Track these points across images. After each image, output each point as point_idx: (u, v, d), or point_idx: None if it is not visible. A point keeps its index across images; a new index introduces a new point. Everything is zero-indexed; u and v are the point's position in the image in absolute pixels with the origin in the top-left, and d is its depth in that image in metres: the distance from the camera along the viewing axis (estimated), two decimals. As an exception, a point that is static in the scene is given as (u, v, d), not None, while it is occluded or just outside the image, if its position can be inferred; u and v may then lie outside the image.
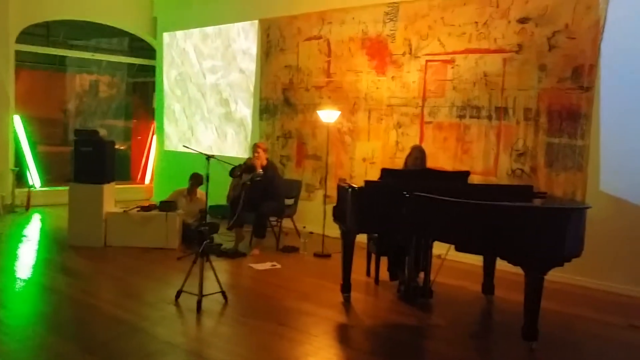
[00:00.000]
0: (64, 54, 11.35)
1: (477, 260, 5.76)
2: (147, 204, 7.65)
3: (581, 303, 5.66)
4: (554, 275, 4.63)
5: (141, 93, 12.51)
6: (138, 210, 7.40)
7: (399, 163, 6.95)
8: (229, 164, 6.86)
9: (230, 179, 7.29)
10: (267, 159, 7.28)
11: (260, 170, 6.99)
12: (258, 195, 7.09)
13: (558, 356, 4.26)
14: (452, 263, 6.25)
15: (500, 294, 5.64)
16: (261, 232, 7.13)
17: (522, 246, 4.19)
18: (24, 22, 10.10)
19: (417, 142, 7.34)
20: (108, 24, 11.17)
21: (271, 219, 7.60)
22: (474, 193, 4.80)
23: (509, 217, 4.23)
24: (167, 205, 7.45)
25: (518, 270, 4.32)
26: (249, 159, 7.30)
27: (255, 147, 7.26)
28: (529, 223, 4.18)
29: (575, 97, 6.27)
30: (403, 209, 4.73)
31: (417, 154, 5.93)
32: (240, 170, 7.01)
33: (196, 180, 7.63)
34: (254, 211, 7.09)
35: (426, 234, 4.92)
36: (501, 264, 4.88)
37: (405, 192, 4.73)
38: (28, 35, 10.34)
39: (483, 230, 4.28)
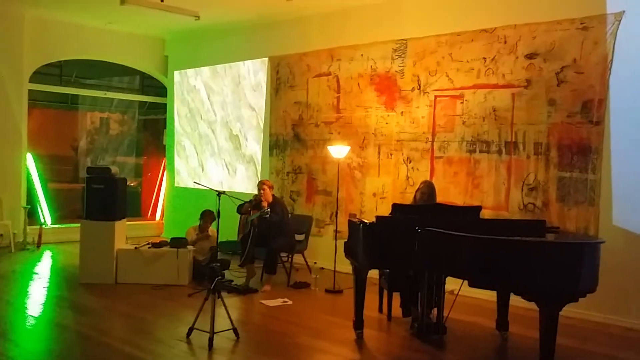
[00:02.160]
0: (76, 93, 11.40)
1: (490, 295, 5.70)
2: (158, 241, 7.61)
3: (596, 339, 5.59)
4: (568, 311, 4.59)
5: (152, 130, 12.56)
6: (149, 247, 7.35)
7: (409, 198, 6.90)
8: (239, 199, 7.20)
9: (239, 216, 7.40)
10: (273, 196, 7.25)
11: (267, 208, 6.96)
12: (268, 231, 7.08)
13: (574, 393, 4.11)
14: (466, 299, 6.18)
15: (514, 330, 5.57)
16: (272, 268, 7.08)
17: (536, 282, 4.17)
18: (38, 61, 10.24)
19: (428, 177, 7.35)
20: (120, 63, 11.30)
21: (282, 254, 7.55)
22: (486, 228, 4.76)
23: (523, 252, 4.20)
24: (178, 242, 7.43)
25: (532, 305, 4.28)
26: (255, 196, 7.27)
27: (260, 185, 7.23)
28: (543, 258, 4.16)
29: (585, 131, 6.28)
30: (415, 244, 4.73)
31: (425, 189, 5.96)
32: (248, 208, 7.06)
33: (209, 217, 7.62)
34: (265, 247, 7.06)
35: (439, 269, 4.87)
36: (515, 300, 4.84)
37: (417, 227, 4.72)
38: (41, 74, 10.45)
39: (496, 266, 4.25)
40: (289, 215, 7.81)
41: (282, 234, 7.20)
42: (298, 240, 7.68)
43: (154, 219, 12.07)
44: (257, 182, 7.68)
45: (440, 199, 6.17)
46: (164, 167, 11.97)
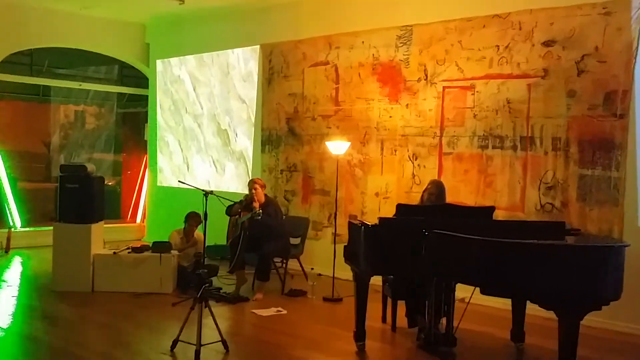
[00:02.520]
0: (48, 84, 11.40)
1: (504, 303, 5.73)
2: (139, 245, 7.59)
3: (620, 350, 5.60)
4: (590, 320, 4.58)
5: (132, 124, 12.51)
6: (129, 252, 7.36)
7: (415, 198, 6.84)
8: (228, 200, 7.06)
9: (228, 218, 7.35)
10: (265, 196, 7.22)
11: (258, 209, 6.91)
12: (260, 234, 7.06)
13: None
14: (477, 307, 6.14)
15: (531, 341, 5.57)
16: (265, 275, 7.07)
17: (555, 288, 4.18)
18: (6, 50, 10.13)
19: (436, 175, 7.35)
20: (97, 51, 11.24)
21: (275, 260, 7.53)
22: (500, 230, 4.83)
23: (540, 256, 4.21)
24: (161, 246, 7.37)
25: (551, 314, 4.29)
26: (246, 196, 7.24)
27: (251, 184, 7.18)
28: (563, 263, 4.18)
29: (608, 125, 6.27)
30: (422, 248, 4.76)
31: (433, 189, 5.95)
32: (238, 209, 7.04)
33: (195, 220, 7.56)
34: (256, 252, 7.05)
35: (448, 275, 4.87)
36: (532, 308, 4.84)
37: (424, 230, 4.74)
38: (10, 64, 10.40)
39: (511, 271, 4.26)
40: (283, 217, 7.81)
41: (276, 238, 7.19)
42: (293, 244, 7.69)
43: (135, 222, 12.04)
44: (248, 180, 7.72)
45: (449, 199, 6.15)
46: (145, 165, 11.89)
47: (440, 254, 4.68)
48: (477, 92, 7.14)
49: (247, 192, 7.35)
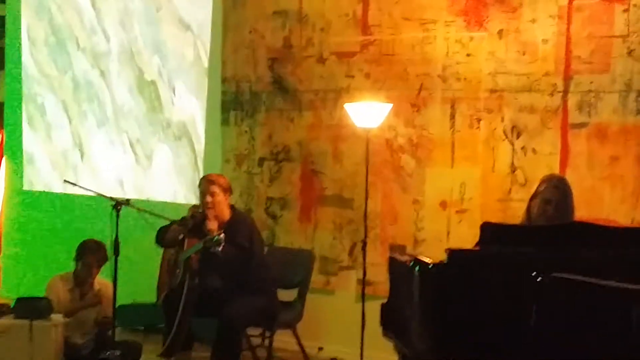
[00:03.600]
0: None
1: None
2: None
3: None
4: None
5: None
6: None
7: (517, 211, 6.16)
8: (160, 217, 6.79)
9: (161, 250, 7.10)
10: (231, 208, 6.73)
11: (217, 234, 6.23)
12: (219, 283, 6.60)
13: None
14: None
15: None
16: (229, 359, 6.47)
17: None
18: None
19: (555, 167, 6.76)
20: None
21: (251, 332, 6.90)
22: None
23: None
24: (31, 306, 6.67)
25: None
26: (194, 209, 6.81)
27: (205, 185, 6.62)
28: None
29: None
30: (531, 308, 4.35)
31: (550, 193, 5.34)
32: (179, 234, 6.66)
33: (96, 256, 7.00)
34: (214, 316, 6.43)
35: (583, 357, 4.33)
36: None
37: (535, 273, 4.36)
38: None
39: None
40: (265, 248, 7.23)
41: (251, 290, 6.52)
42: (284, 301, 7.03)
43: None
44: (199, 179, 7.03)
45: (582, 212, 5.58)
46: (0, 150, 11.28)
47: (568, 320, 4.31)
48: (633, 6, 6.57)
49: (195, 201, 7.11)
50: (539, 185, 5.38)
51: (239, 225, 6.58)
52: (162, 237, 6.68)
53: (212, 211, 6.46)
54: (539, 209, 5.24)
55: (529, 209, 5.35)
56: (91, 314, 6.93)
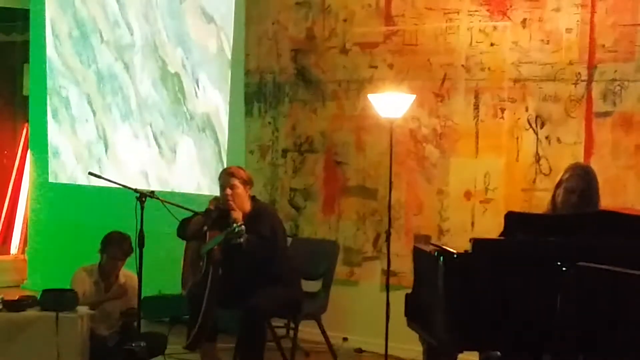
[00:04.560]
0: None
1: None
2: (18, 297, 6.88)
3: None
4: None
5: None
6: (0, 309, 6.61)
7: (541, 201, 6.21)
8: (183, 209, 6.63)
9: (184, 242, 6.90)
10: (253, 200, 6.65)
11: (239, 225, 6.12)
12: (244, 273, 6.51)
13: None
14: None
15: None
16: (254, 352, 6.36)
17: None
18: None
19: (579, 156, 6.78)
20: None
21: (275, 323, 7.02)
22: None
23: None
24: (57, 299, 6.50)
25: None
26: (214, 200, 6.71)
27: (226, 178, 6.60)
28: None
29: None
30: (557, 297, 4.39)
31: (574, 182, 5.36)
32: (202, 225, 6.61)
33: (120, 249, 6.88)
34: (238, 307, 6.38)
35: (609, 349, 4.34)
36: None
37: (560, 262, 4.41)
38: None
39: None
40: (287, 239, 7.16)
41: (275, 280, 6.48)
42: (308, 292, 7.00)
43: (9, 253, 11.52)
44: (220, 171, 7.09)
45: (606, 201, 5.58)
46: (25, 143, 11.44)
47: (593, 309, 4.31)
48: (660, -8, 6.73)
49: (217, 193, 6.78)
50: (563, 174, 5.39)
51: (260, 216, 6.57)
52: (184, 230, 6.70)
53: (232, 204, 6.46)
54: (563, 198, 5.26)
55: (553, 199, 5.37)
56: (116, 306, 6.88)
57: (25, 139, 11.50)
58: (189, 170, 9.43)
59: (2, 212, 11.65)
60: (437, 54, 7.55)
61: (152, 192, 6.20)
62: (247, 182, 6.63)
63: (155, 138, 9.70)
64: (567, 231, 4.74)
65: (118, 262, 6.89)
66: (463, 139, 7.42)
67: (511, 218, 4.98)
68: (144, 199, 6.01)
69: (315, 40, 8.25)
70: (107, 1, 10.18)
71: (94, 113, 10.29)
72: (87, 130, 10.45)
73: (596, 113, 6.76)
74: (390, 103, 6.84)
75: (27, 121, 11.32)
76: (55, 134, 10.80)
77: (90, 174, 7.08)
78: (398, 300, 5.51)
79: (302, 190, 8.35)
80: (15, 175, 11.54)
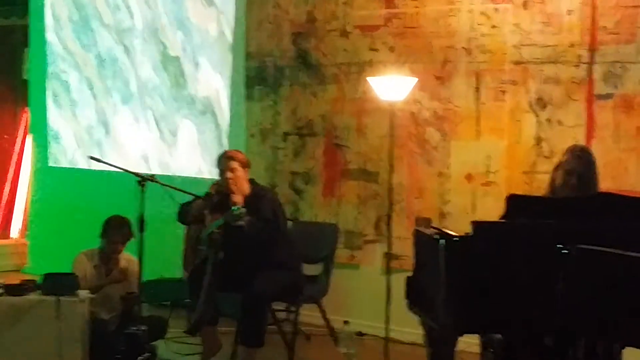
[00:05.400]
0: None
1: None
2: (18, 281, 6.94)
3: None
4: None
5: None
6: (0, 293, 6.67)
7: (543, 182, 6.09)
8: (183, 192, 6.77)
9: (184, 226, 6.94)
10: (252, 183, 6.74)
11: (240, 208, 6.25)
12: (245, 257, 6.52)
13: None
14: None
15: None
16: (255, 335, 6.39)
17: None
18: None
19: (580, 137, 6.83)
20: None
21: (276, 307, 7.07)
22: None
23: None
24: (59, 282, 6.59)
25: None
26: (217, 184, 6.69)
27: (225, 162, 6.65)
28: None
29: None
30: (558, 278, 4.46)
31: (574, 164, 5.39)
32: (202, 209, 6.65)
33: (121, 232, 7.00)
34: (239, 291, 6.47)
35: (609, 331, 4.45)
36: None
37: (560, 244, 4.46)
38: None
39: None
40: (288, 223, 7.22)
41: (276, 263, 6.59)
42: (309, 275, 7.13)
43: (9, 237, 11.57)
44: (219, 154, 7.06)
45: (606, 184, 5.69)
46: (25, 128, 11.52)
47: (594, 290, 4.37)
48: (659, -26, 6.82)
49: (217, 177, 6.83)
50: (562, 156, 5.41)
51: (261, 199, 6.63)
52: (185, 214, 6.74)
53: (232, 186, 6.51)
54: (562, 180, 5.28)
55: (552, 181, 5.40)
56: (117, 290, 6.95)
57: (25, 123, 11.57)
58: (190, 154, 9.50)
59: (2, 197, 11.68)
60: (438, 36, 7.57)
61: (153, 176, 6.26)
62: (246, 165, 6.69)
63: (156, 122, 9.79)
64: (568, 214, 4.77)
65: (119, 246, 6.96)
66: (464, 121, 7.47)
67: (513, 200, 5.00)
68: (144, 183, 6.07)
69: (316, 23, 8.28)
70: (108, -12, 10.53)
71: (95, 97, 10.34)
72: (87, 114, 10.49)
73: (597, 95, 6.80)
74: (391, 86, 6.85)
75: (27, 105, 11.36)
76: (56, 118, 10.84)
77: (91, 158, 7.12)
78: (399, 283, 5.52)
79: (302, 173, 8.41)
80: (16, 160, 11.60)
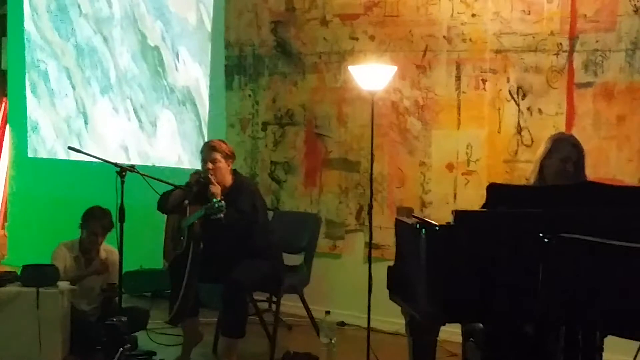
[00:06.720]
0: None
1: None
2: None
3: None
4: None
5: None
6: None
7: (523, 172, 6.48)
8: (163, 182, 6.72)
9: (164, 216, 7.00)
10: (234, 173, 6.78)
11: (219, 199, 6.30)
12: (225, 247, 6.60)
13: None
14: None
15: None
16: (236, 326, 6.46)
17: None
18: None
19: (561, 126, 6.84)
20: None
21: (257, 297, 7.14)
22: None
23: None
24: (38, 274, 6.66)
25: None
26: (197, 174, 6.71)
27: (207, 152, 6.69)
28: None
29: None
30: (539, 268, 4.38)
31: (570, 150, 5.34)
32: (182, 199, 6.70)
33: (101, 223, 7.05)
34: (220, 281, 6.54)
35: (591, 320, 4.38)
36: None
37: (542, 234, 4.35)
38: None
39: None
40: (269, 213, 7.40)
41: (255, 254, 6.64)
42: (289, 265, 7.15)
43: None
44: (201, 145, 7.18)
45: (588, 172, 5.47)
46: (4, 118, 11.61)
47: (574, 279, 4.30)
48: (642, -42, 6.75)
49: (198, 166, 6.90)
50: (551, 144, 5.35)
51: (240, 191, 6.66)
52: (165, 204, 6.76)
53: (213, 177, 6.53)
54: (557, 168, 5.24)
55: (542, 169, 5.33)
56: (97, 281, 7.02)
57: (3, 113, 11.62)
58: (170, 144, 9.54)
59: (-20, 188, 11.98)
60: (419, 25, 7.60)
61: (133, 166, 6.26)
62: (229, 156, 6.72)
63: (136, 112, 9.82)
64: (549, 202, 4.77)
65: (98, 237, 7.01)
66: (445, 110, 7.50)
67: (493, 190, 4.96)
68: (124, 173, 6.07)
69: (295, 12, 8.31)
70: (85, -25, 10.52)
71: (74, 87, 10.38)
72: (66, 104, 10.53)
73: (577, 84, 6.86)
74: (372, 75, 6.87)
75: (6, 96, 11.36)
76: (35, 108, 10.87)
77: (70, 148, 7.06)
78: (381, 273, 5.53)
79: (283, 163, 8.47)
80: (-6, 151, 11.88)
